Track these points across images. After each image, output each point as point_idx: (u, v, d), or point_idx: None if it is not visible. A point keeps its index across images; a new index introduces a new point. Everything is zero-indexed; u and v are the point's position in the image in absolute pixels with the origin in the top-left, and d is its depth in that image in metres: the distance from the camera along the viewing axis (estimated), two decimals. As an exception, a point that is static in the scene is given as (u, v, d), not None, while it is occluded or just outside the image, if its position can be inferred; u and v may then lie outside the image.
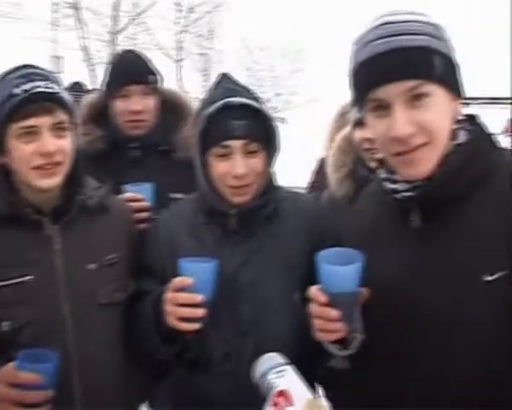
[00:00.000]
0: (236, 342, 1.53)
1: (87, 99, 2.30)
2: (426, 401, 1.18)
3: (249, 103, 1.55)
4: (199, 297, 1.39)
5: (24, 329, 1.47)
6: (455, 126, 1.22)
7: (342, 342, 1.30)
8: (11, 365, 1.33)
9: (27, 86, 1.46)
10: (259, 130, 1.56)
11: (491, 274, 1.12)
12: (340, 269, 1.20)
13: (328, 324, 1.23)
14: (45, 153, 1.47)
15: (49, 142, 1.47)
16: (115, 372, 1.60)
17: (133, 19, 20.93)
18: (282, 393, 1.26)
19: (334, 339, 1.27)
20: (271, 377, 1.30)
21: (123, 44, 20.31)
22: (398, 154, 1.19)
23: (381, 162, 1.34)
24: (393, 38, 1.14)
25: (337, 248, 1.27)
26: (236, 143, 1.53)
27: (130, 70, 2.16)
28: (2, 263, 1.48)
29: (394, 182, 1.26)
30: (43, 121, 1.47)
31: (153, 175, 2.06)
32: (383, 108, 1.18)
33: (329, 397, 1.51)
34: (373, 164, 1.92)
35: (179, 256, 1.45)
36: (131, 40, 20.67)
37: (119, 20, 20.62)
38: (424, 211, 1.21)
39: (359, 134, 2.02)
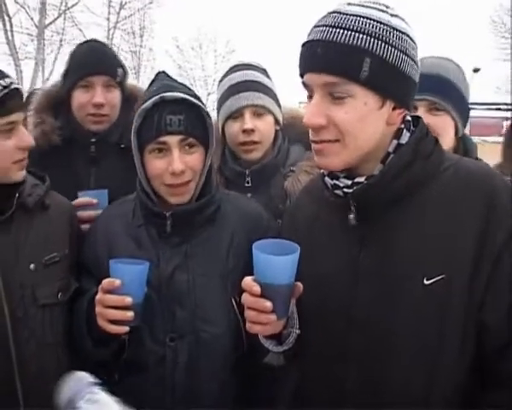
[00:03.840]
0: (171, 345, 1.49)
1: (44, 88, 2.14)
2: (362, 400, 1.17)
3: (185, 98, 1.48)
4: (127, 299, 1.37)
5: None
6: (394, 129, 1.20)
7: (277, 338, 1.30)
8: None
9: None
10: (196, 125, 1.50)
11: (429, 278, 1.11)
12: (275, 259, 1.16)
13: (260, 315, 1.19)
14: None
15: None
16: (58, 374, 1.52)
17: (62, 12, 20.43)
18: None
19: (267, 333, 1.25)
20: (80, 403, 1.18)
21: (50, 39, 19.92)
22: (313, 141, 1.20)
23: None
24: (332, 30, 1.11)
25: (273, 239, 1.25)
26: (172, 139, 1.46)
27: (95, 59, 1.97)
28: None
29: (336, 177, 1.23)
30: None
31: (112, 174, 1.96)
32: (309, 92, 1.19)
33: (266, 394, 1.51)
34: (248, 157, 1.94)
35: (117, 257, 1.43)
36: (60, 35, 20.22)
37: (47, 14, 20.07)
38: (362, 210, 1.19)
39: (236, 126, 1.92)
